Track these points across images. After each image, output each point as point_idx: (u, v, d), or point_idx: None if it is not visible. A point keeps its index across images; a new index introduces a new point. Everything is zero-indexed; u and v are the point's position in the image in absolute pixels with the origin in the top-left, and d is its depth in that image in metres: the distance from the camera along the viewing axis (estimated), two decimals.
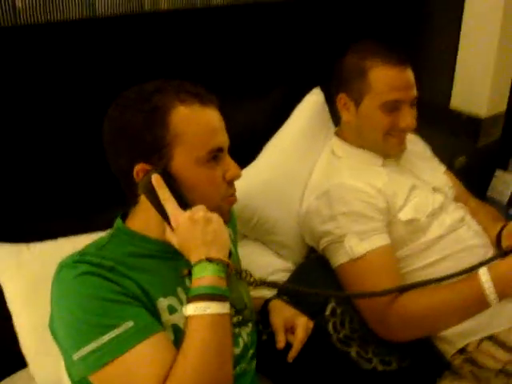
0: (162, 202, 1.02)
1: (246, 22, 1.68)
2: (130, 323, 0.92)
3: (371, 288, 1.37)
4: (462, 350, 1.45)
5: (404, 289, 1.36)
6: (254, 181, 1.60)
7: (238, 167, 1.10)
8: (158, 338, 0.94)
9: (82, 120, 1.39)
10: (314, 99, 1.85)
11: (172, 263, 1.08)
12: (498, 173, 2.74)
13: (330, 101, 1.74)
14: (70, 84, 1.37)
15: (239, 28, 1.67)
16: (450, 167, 1.85)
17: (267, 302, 1.31)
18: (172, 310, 1.02)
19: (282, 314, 1.24)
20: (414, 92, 1.53)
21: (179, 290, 1.06)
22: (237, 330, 1.14)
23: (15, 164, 1.34)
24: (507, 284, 1.27)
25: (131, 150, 1.03)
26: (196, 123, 1.04)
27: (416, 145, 1.78)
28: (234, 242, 1.34)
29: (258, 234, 1.64)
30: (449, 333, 1.44)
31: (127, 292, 0.96)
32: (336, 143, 1.66)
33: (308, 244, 1.64)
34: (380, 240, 1.43)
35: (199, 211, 1.00)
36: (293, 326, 1.19)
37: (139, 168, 1.03)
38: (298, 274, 1.58)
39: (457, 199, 1.69)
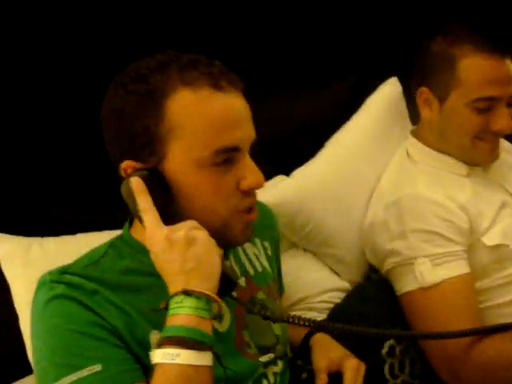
0: (141, 212, 0.83)
1: None
2: (98, 367, 0.79)
3: (443, 326, 1.18)
4: None
5: (489, 330, 1.17)
6: (311, 182, 1.44)
7: (259, 173, 0.88)
8: None
9: None
10: (389, 90, 1.68)
11: None
12: None
13: (409, 94, 1.57)
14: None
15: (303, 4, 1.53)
16: None
17: (309, 334, 1.13)
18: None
19: (327, 353, 1.06)
20: None
21: None
22: (262, 369, 0.97)
23: (32, 148, 1.29)
24: None
25: (120, 142, 0.87)
26: (200, 113, 0.83)
27: (509, 153, 1.55)
28: (272, 257, 1.14)
29: (310, 244, 1.46)
30: None
31: (105, 324, 0.83)
32: (412, 145, 1.47)
33: (369, 261, 1.46)
34: (459, 268, 1.25)
35: (181, 229, 0.80)
36: (339, 370, 1.01)
37: (127, 165, 0.87)
38: (354, 299, 1.38)
39: None
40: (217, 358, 0.79)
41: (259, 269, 1.05)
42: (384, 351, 1.19)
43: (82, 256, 0.95)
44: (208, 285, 0.79)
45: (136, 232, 0.94)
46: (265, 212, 1.15)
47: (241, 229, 0.90)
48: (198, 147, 0.83)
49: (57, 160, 1.31)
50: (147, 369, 0.81)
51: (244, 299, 0.91)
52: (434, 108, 1.38)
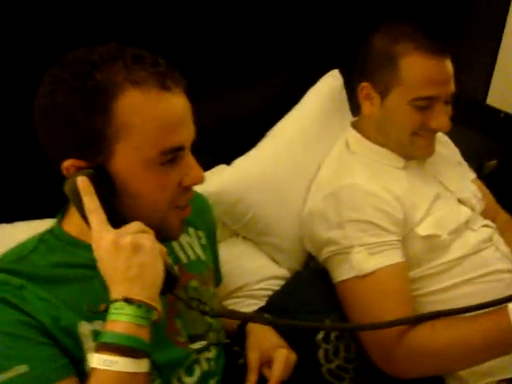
0: (87, 213, 0.81)
1: None
2: (23, 368, 0.77)
3: (377, 313, 1.20)
4: None
5: (419, 319, 1.17)
6: (251, 172, 1.43)
7: (200, 170, 0.89)
8: None
9: None
10: (330, 82, 1.65)
11: None
12: None
13: (350, 86, 1.54)
14: None
15: None
16: (479, 172, 1.66)
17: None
18: (98, 335, 0.83)
19: (260, 343, 1.06)
20: (452, 87, 1.32)
21: None
22: (194, 356, 0.97)
23: None
24: None
25: (63, 139, 0.84)
26: (149, 115, 0.82)
27: (444, 146, 1.56)
28: (206, 245, 1.14)
29: (250, 232, 1.46)
30: (463, 371, 1.27)
31: (31, 321, 0.80)
32: (352, 136, 1.46)
33: (307, 250, 1.45)
34: (393, 256, 1.25)
35: (127, 234, 0.79)
36: (270, 359, 1.02)
37: (69, 164, 0.84)
38: (292, 287, 1.38)
39: (485, 213, 1.49)
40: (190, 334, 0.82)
41: (192, 257, 1.05)
42: (319, 337, 1.19)
43: (11, 250, 0.91)
44: (149, 293, 0.78)
45: (69, 224, 0.92)
46: (199, 201, 1.14)
47: (178, 224, 0.91)
48: (147, 147, 0.82)
49: None
50: (77, 361, 0.80)
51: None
52: (374, 103, 1.36)
